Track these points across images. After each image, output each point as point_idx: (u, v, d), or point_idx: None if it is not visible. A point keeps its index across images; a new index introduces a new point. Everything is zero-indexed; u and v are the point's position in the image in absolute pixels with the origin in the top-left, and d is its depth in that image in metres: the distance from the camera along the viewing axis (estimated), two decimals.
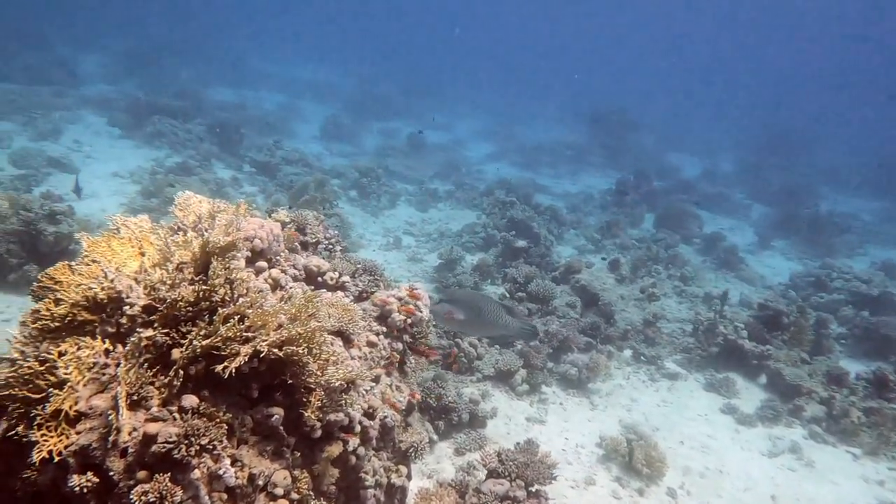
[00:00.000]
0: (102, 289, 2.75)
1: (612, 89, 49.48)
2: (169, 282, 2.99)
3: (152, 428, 2.52)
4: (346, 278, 4.70)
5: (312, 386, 3.34)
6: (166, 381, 2.72)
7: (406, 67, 42.70)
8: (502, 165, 26.09)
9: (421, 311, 4.77)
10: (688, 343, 9.97)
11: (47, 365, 2.48)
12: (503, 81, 49.50)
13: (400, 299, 4.69)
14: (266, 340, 3.02)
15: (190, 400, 2.74)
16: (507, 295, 9.48)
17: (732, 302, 12.38)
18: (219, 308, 3.08)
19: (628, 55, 70.53)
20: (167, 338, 2.84)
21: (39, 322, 2.64)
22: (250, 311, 3.14)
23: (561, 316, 9.34)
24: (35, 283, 3.00)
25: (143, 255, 3.34)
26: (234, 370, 2.87)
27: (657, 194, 21.88)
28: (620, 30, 74.23)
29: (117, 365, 2.65)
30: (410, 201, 17.64)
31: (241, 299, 3.21)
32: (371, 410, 4.04)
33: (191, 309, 2.97)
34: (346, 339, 4.19)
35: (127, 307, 2.82)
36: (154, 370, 2.74)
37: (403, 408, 4.57)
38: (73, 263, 3.07)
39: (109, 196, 12.19)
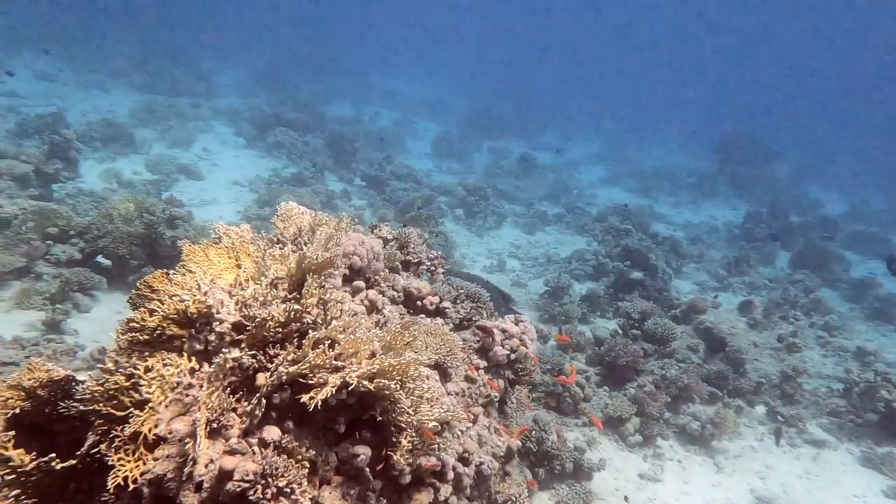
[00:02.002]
0: (194, 302, 2.65)
1: (741, 113, 46.04)
2: (261, 298, 2.85)
3: (229, 462, 2.34)
4: (446, 304, 4.41)
5: (403, 425, 3.04)
6: (249, 408, 2.54)
7: (521, 87, 42.54)
8: (617, 191, 24.98)
9: (527, 346, 4.36)
10: (837, 405, 8.62)
11: (132, 381, 2.38)
12: (620, 103, 47.86)
13: (504, 331, 4.32)
14: (357, 371, 2.77)
15: (272, 432, 2.54)
16: (620, 331, 8.76)
17: (888, 360, 10.65)
18: (309, 331, 2.90)
19: (760, 72, 65.52)
20: (254, 360, 2.68)
21: (130, 333, 2.57)
22: (342, 336, 2.92)
23: (681, 360, 8.47)
24: (133, 291, 2.99)
25: (239, 266, 3.26)
26: (320, 402, 2.65)
27: (793, 230, 19.71)
28: (750, 44, 69.31)
29: (201, 386, 2.51)
30: (517, 223, 17.25)
31: (333, 322, 3.01)
32: (466, 455, 3.69)
33: (280, 330, 2.81)
34: (442, 371, 3.89)
35: (216, 323, 2.69)
36: (237, 395, 2.58)
37: (502, 454, 4.17)
38: (170, 272, 3.04)
39: (228, 203, 12.99)
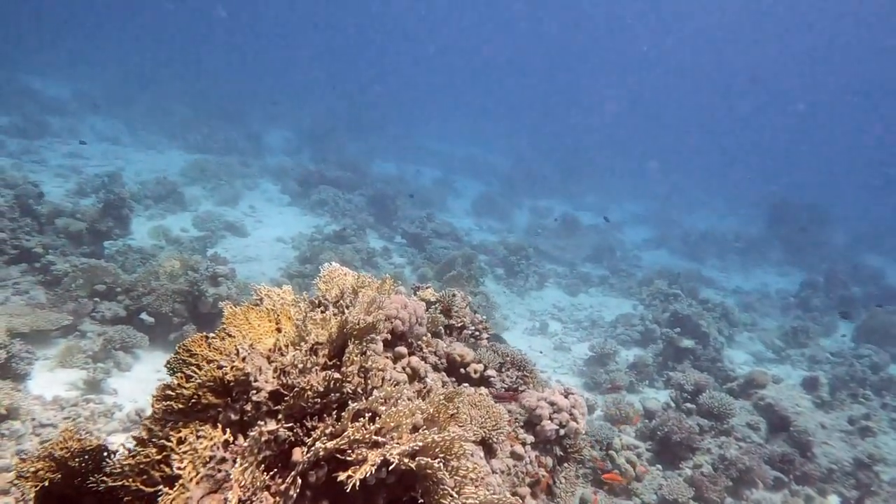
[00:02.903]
0: (231, 369, 2.57)
1: (790, 176, 45.11)
2: (300, 365, 2.76)
3: None
4: (491, 372, 4.23)
5: None
6: (283, 487, 2.40)
7: (563, 147, 43.01)
8: (662, 253, 24.46)
9: (577, 421, 4.11)
10: None
11: (164, 454, 2.29)
12: (665, 164, 47.65)
13: (552, 404, 4.09)
14: (398, 448, 2.61)
15: None
16: (673, 404, 8.28)
17: None
18: (349, 401, 2.77)
19: (811, 136, 64.40)
20: (290, 433, 2.56)
21: (165, 402, 2.50)
22: (383, 408, 2.78)
23: (740, 438, 7.90)
24: (172, 354, 2.95)
25: (279, 330, 3.20)
26: (358, 481, 2.49)
27: (853, 301, 18.68)
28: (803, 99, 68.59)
29: (234, 461, 2.39)
30: (559, 284, 16.97)
31: (374, 392, 2.87)
32: None
33: (318, 400, 2.69)
34: (487, 447, 3.67)
35: (253, 392, 2.60)
36: (272, 472, 2.45)
37: None
38: (209, 335, 2.99)
39: (270, 260, 13.24)
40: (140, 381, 6.20)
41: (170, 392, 2.54)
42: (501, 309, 13.68)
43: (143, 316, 7.24)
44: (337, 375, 2.74)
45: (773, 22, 67.48)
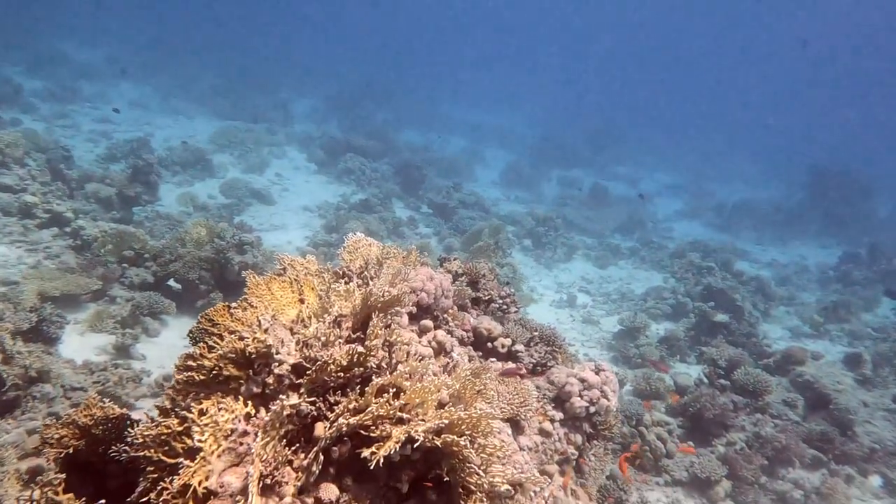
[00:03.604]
0: (253, 341, 2.52)
1: (834, 143, 43.23)
2: (323, 338, 2.70)
3: None
4: (519, 347, 4.14)
5: (473, 487, 2.78)
6: (305, 462, 2.36)
7: (592, 115, 42.01)
8: (695, 225, 23.84)
9: (608, 399, 4.01)
10: None
11: (185, 426, 2.26)
12: (697, 131, 46.18)
13: (583, 381, 3.99)
14: (423, 426, 2.54)
15: (329, 492, 2.35)
16: (706, 380, 8.11)
17: None
18: (373, 376, 2.71)
19: (852, 102, 61.42)
20: (312, 408, 2.51)
21: (187, 373, 2.47)
22: (408, 383, 2.71)
23: (776, 416, 7.72)
24: (195, 323, 2.92)
25: (302, 301, 3.14)
26: (382, 458, 2.44)
27: None
28: (841, 64, 65.34)
29: (256, 434, 2.36)
30: (588, 255, 16.70)
31: (399, 367, 2.81)
32: None
33: (342, 374, 2.63)
34: (514, 424, 3.60)
35: (275, 365, 2.55)
36: (294, 447, 2.41)
37: None
38: (232, 305, 2.95)
39: (297, 229, 13.28)
40: (168, 347, 6.30)
41: (191, 363, 2.51)
42: (528, 281, 13.54)
43: (171, 282, 7.33)
44: (361, 349, 2.67)
45: None
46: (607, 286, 14.55)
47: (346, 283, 3.56)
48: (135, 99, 23.20)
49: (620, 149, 35.36)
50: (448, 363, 3.46)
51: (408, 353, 3.01)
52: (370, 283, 3.51)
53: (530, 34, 75.92)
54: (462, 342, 3.99)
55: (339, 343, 2.77)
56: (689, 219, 24.96)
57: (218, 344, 2.61)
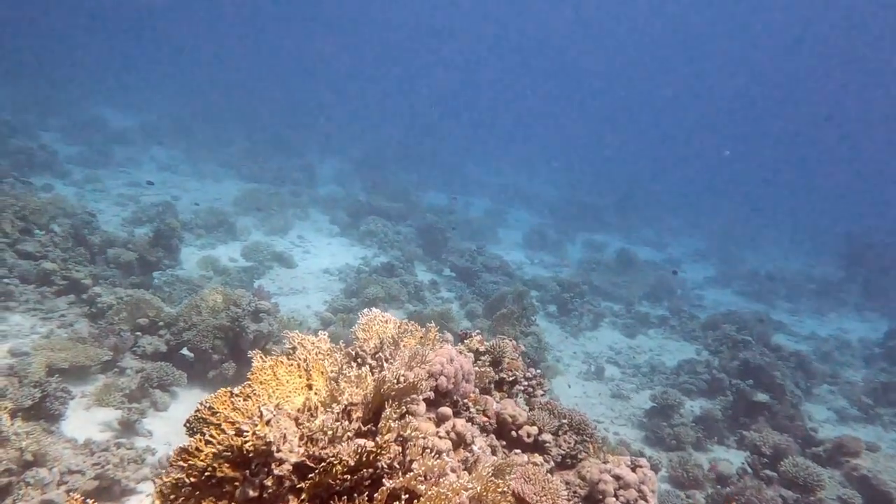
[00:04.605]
0: (252, 436, 2.31)
1: (870, 211, 42.58)
2: (330, 433, 2.47)
3: None
4: (546, 437, 3.83)
5: None
6: None
7: (618, 178, 42.22)
8: (727, 293, 23.21)
9: (647, 500, 3.64)
10: None
11: None
12: (728, 198, 45.94)
13: (618, 478, 3.64)
14: None
15: None
16: (749, 469, 7.54)
17: None
18: (384, 478, 2.46)
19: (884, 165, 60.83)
20: None
21: (177, 475, 2.25)
22: (423, 486, 2.45)
23: None
24: (193, 413, 2.73)
25: (310, 387, 2.93)
26: None
27: None
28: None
29: None
30: (615, 323, 16.23)
31: (413, 466, 2.56)
32: None
33: (349, 476, 2.39)
34: None
35: (275, 464, 2.32)
36: None
37: None
38: (234, 391, 2.75)
39: (317, 292, 13.20)
40: (175, 422, 6.08)
41: (182, 462, 2.29)
42: (553, 350, 13.13)
43: (184, 351, 7.19)
44: (370, 447, 2.44)
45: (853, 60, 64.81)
46: (637, 357, 14.03)
47: (358, 365, 3.35)
48: (164, 162, 23.98)
49: (646, 211, 35.20)
50: (468, 458, 3.18)
51: (423, 448, 2.75)
52: (385, 365, 3.30)
53: (551, 97, 77.93)
54: (484, 430, 3.71)
55: (348, 438, 2.53)
56: (721, 287, 24.35)
57: (215, 438, 2.40)
